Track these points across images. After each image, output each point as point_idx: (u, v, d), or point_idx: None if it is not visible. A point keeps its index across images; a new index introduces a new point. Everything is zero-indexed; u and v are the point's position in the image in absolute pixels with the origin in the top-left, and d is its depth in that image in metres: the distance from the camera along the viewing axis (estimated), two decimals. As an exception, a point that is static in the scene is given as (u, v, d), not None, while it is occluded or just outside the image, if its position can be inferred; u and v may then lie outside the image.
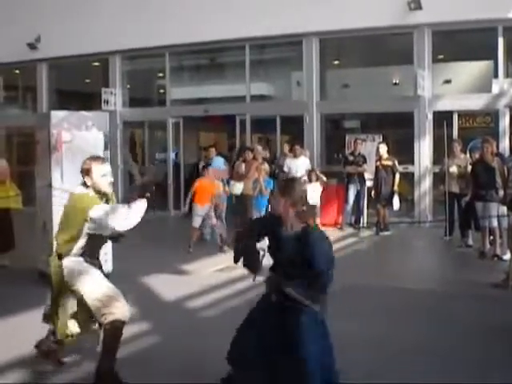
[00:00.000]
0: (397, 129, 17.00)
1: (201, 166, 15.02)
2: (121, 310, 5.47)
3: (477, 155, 12.14)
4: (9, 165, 11.65)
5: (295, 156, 14.38)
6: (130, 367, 5.85)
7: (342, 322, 7.48)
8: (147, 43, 17.80)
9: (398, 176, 14.15)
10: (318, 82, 16.56)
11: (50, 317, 5.79)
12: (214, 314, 7.77)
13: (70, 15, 18.51)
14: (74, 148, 9.18)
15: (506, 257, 10.45)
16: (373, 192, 14.49)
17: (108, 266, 9.77)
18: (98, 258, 5.76)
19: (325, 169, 15.74)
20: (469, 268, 10.83)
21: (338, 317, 7.70)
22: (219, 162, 13.51)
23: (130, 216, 5.31)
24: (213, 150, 14.16)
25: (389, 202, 14.13)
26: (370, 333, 7.02)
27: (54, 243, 5.73)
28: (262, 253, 5.09)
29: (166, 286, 9.24)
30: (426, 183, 15.45)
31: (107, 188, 5.54)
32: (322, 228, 12.85)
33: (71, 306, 5.62)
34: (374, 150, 14.84)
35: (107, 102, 18.53)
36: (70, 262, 5.48)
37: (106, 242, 5.85)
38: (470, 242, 12.22)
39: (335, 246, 12.66)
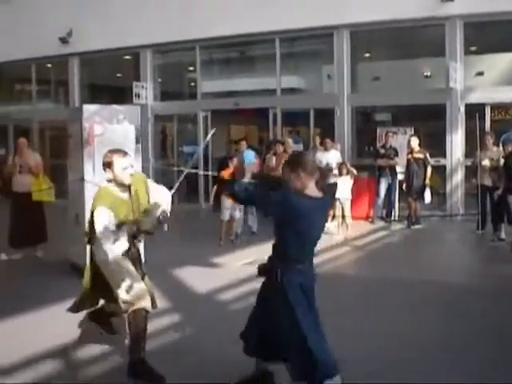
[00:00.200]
0: (428, 121, 16.87)
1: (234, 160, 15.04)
2: (143, 299, 5.57)
3: (509, 148, 12.03)
4: (42, 158, 11.79)
5: (326, 149, 14.32)
6: (162, 358, 5.91)
7: (370, 313, 7.51)
8: (178, 37, 17.85)
9: (429, 169, 14.04)
10: (348, 74, 16.49)
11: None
12: (243, 307, 7.76)
13: (101, 10, 18.64)
14: (106, 141, 9.23)
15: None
16: (404, 185, 14.41)
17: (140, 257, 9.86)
18: (129, 248, 5.70)
19: (355, 162, 15.67)
20: (501, 262, 10.70)
21: (367, 308, 7.75)
22: (250, 156, 13.51)
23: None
24: (244, 143, 14.15)
25: (420, 196, 14.04)
26: (397, 325, 7.02)
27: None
28: None
29: (196, 278, 9.28)
30: (458, 176, 15.33)
31: (128, 180, 5.56)
32: (353, 221, 12.88)
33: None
34: (405, 142, 14.73)
35: (138, 96, 18.61)
36: (98, 249, 5.60)
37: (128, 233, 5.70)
38: (503, 235, 12.11)
39: (366, 239, 12.74)
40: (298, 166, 4.86)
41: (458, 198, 15.31)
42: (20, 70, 22.28)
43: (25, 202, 10.87)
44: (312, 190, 4.86)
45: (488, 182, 12.59)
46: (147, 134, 18.39)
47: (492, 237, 12.28)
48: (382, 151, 14.84)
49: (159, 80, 19.62)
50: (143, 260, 9.60)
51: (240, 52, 19.30)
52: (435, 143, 15.54)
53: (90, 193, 8.67)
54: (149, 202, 5.80)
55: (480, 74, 16.21)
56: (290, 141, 13.88)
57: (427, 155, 14.06)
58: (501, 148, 12.91)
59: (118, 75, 22.16)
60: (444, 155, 15.36)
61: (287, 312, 4.82)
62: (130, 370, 5.52)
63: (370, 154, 15.96)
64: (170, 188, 6.18)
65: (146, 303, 5.60)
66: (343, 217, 13.12)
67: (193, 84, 19.62)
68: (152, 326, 6.81)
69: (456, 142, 15.24)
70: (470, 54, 15.52)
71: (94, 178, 8.87)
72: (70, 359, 6.11)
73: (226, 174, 12.33)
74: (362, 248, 12.16)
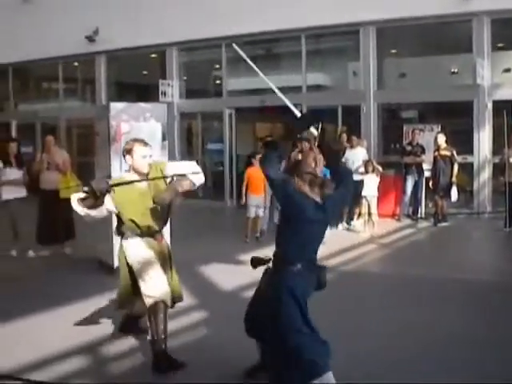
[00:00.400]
0: (455, 118, 16.71)
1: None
2: (162, 292, 5.71)
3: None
4: (69, 156, 11.89)
5: (352, 146, 14.26)
6: (188, 354, 5.94)
7: (393, 312, 7.49)
8: (204, 34, 17.89)
9: (456, 166, 13.95)
10: (375, 71, 16.42)
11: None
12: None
13: (128, 8, 18.74)
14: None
15: None
16: (431, 183, 14.34)
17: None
18: (150, 235, 5.87)
19: (382, 159, 15.63)
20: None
21: (390, 307, 7.73)
22: (276, 153, 13.47)
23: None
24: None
25: (447, 193, 13.96)
26: (420, 321, 7.01)
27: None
28: None
29: (222, 275, 9.31)
30: (486, 174, 15.19)
31: (145, 169, 5.75)
32: (379, 219, 12.84)
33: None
34: (432, 140, 14.65)
35: (165, 94, 18.67)
36: (124, 242, 5.85)
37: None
38: (531, 233, 12.03)
39: (392, 237, 12.69)
40: (294, 170, 5.16)
41: (486, 196, 15.18)
42: (47, 69, 22.49)
43: (52, 199, 10.95)
44: (308, 192, 4.98)
45: (516, 179, 12.50)
46: (173, 131, 18.45)
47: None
48: (409, 148, 14.76)
49: (185, 78, 19.67)
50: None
51: (266, 49, 19.28)
52: (462, 140, 15.40)
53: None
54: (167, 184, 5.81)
55: (507, 70, 16.04)
56: (315, 138, 13.84)
57: (454, 152, 13.97)
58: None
59: (144, 73, 22.27)
60: (471, 152, 15.24)
61: (274, 307, 4.89)
62: (155, 365, 5.66)
63: (397, 152, 15.88)
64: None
65: (165, 297, 5.74)
66: (369, 214, 13.08)
67: (218, 82, 19.65)
68: (178, 322, 6.88)
69: (483, 139, 15.11)
70: (497, 51, 15.39)
71: (120, 175, 8.92)
72: (96, 356, 6.17)
73: (249, 171, 12.37)
74: (388, 246, 12.11)
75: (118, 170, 9.12)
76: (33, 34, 20.11)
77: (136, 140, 5.92)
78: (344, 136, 14.84)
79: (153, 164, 5.88)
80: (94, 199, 5.51)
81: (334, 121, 17.45)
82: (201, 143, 19.97)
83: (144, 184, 5.77)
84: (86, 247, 10.43)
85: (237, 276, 9.09)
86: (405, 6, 14.99)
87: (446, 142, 14.06)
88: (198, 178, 5.75)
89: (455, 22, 15.57)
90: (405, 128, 16.00)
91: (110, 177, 9.17)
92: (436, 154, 14.07)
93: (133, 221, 5.75)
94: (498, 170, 13.88)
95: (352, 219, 13.82)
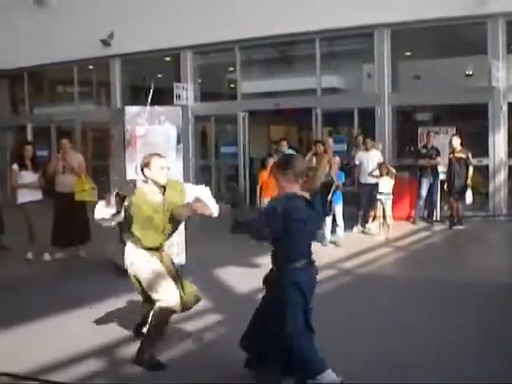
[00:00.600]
0: (470, 121, 16.64)
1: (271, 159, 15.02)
2: (168, 297, 5.82)
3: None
4: (84, 159, 11.94)
5: (367, 149, 14.22)
6: (202, 356, 5.97)
7: (410, 313, 7.47)
8: (218, 38, 17.91)
9: (471, 169, 13.88)
10: (389, 73, 16.37)
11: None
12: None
13: (142, 11, 18.79)
14: (148, 142, 9.35)
15: None
16: (446, 185, 14.28)
17: (181, 258, 9.94)
18: (156, 247, 6.06)
19: (396, 162, 15.60)
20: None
21: (403, 310, 7.70)
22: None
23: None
24: (284, 142, 14.11)
25: (462, 196, 13.89)
26: (435, 324, 6.99)
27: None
28: None
29: (237, 278, 9.31)
30: (501, 176, 15.11)
31: (163, 179, 5.93)
32: (394, 221, 12.80)
33: None
34: (447, 142, 14.59)
35: (179, 97, 18.69)
36: (128, 249, 6.00)
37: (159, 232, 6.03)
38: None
39: (408, 240, 12.64)
40: (288, 167, 5.12)
41: (501, 198, 15.10)
42: (62, 72, 22.58)
43: (68, 202, 11.03)
44: (299, 190, 5.10)
45: (532, 181, 12.45)
46: (188, 134, 18.47)
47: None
48: (424, 151, 14.71)
49: (199, 81, 19.70)
50: (183, 261, 9.80)
51: (280, 52, 19.29)
52: (477, 143, 15.33)
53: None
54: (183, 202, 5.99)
55: (523, 72, 15.99)
56: (330, 141, 13.81)
57: (469, 155, 13.90)
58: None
59: (159, 76, 22.31)
60: (486, 155, 15.17)
61: (278, 311, 5.00)
62: (136, 357, 5.89)
63: (411, 154, 15.84)
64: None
65: (174, 304, 5.84)
66: (384, 217, 13.04)
67: (233, 85, 19.67)
68: (193, 324, 6.90)
69: (499, 141, 15.04)
70: (512, 53, 15.32)
71: (136, 178, 8.95)
72: (112, 357, 6.19)
73: (263, 174, 12.37)
74: (404, 249, 12.07)
75: (134, 173, 9.15)
76: (48, 37, 20.20)
77: (152, 154, 6.09)
78: (360, 138, 14.81)
79: (169, 181, 6.04)
80: (121, 203, 5.69)
81: (349, 124, 17.46)
82: (214, 146, 19.96)
83: (159, 200, 5.93)
84: (101, 250, 10.46)
85: (252, 279, 9.08)
86: (419, 8, 14.94)
87: (461, 144, 13.99)
88: (217, 209, 5.96)
89: (470, 24, 15.52)
90: (420, 130, 15.96)
91: (125, 180, 9.24)
92: (451, 156, 14.02)
93: (137, 234, 5.94)
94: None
95: (367, 222, 13.79)
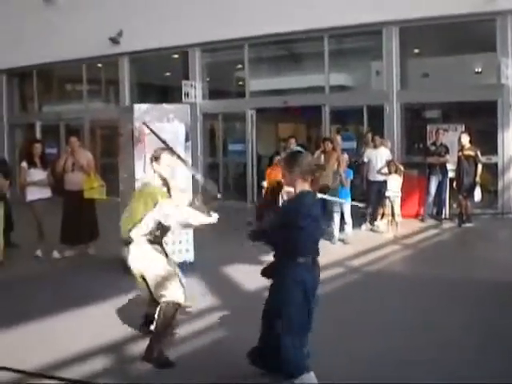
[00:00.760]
0: (479, 118, 16.57)
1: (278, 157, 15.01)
2: (176, 293, 5.96)
3: None
4: (93, 157, 11.96)
5: (375, 146, 14.19)
6: (211, 354, 5.97)
7: (419, 311, 7.46)
8: (226, 35, 17.92)
9: (480, 166, 13.84)
10: (398, 71, 16.33)
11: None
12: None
13: (150, 9, 18.81)
14: (156, 140, 9.33)
15: None
16: (454, 183, 14.24)
17: (190, 255, 9.96)
18: (161, 244, 6.32)
19: (405, 159, 15.58)
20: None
21: (417, 306, 7.70)
22: (298, 153, 13.43)
23: (192, 219, 5.99)
24: (293, 140, 14.10)
25: (470, 193, 13.85)
26: (444, 321, 6.99)
27: (121, 229, 6.28)
28: None
29: (245, 276, 9.30)
30: (510, 174, 15.05)
31: (169, 175, 6.23)
32: (403, 219, 12.76)
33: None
34: (456, 140, 14.55)
35: (187, 95, 18.70)
36: (135, 246, 6.07)
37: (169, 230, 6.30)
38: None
39: (416, 238, 12.63)
40: (294, 165, 5.07)
41: (510, 196, 15.05)
42: (71, 70, 22.64)
43: (77, 199, 11.05)
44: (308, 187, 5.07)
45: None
46: (196, 132, 18.48)
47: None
48: (433, 148, 14.68)
49: (208, 79, 19.70)
50: (192, 258, 9.83)
51: (288, 50, 19.27)
52: (486, 140, 15.28)
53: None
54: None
55: (532, 69, 15.92)
56: (338, 138, 13.80)
57: (478, 152, 13.86)
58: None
59: (167, 74, 22.34)
60: (495, 152, 15.13)
61: (277, 310, 5.00)
62: (145, 355, 5.92)
63: (420, 152, 15.81)
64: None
65: (179, 297, 5.97)
66: (393, 215, 13.02)
67: (241, 83, 19.66)
68: (202, 322, 6.91)
69: (508, 138, 14.98)
70: (521, 50, 15.25)
71: (144, 175, 8.96)
72: (121, 355, 6.20)
73: (271, 171, 12.36)
74: (412, 246, 12.05)
75: (142, 170, 9.17)
76: (56, 35, 20.25)
77: (163, 149, 6.41)
78: (369, 136, 14.78)
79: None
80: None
81: (358, 121, 17.43)
82: (222, 144, 19.95)
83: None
84: (109, 248, 10.48)
85: (260, 276, 9.11)
86: (428, 5, 14.91)
87: (470, 141, 13.95)
88: (209, 219, 6.05)
89: (479, 21, 15.45)
90: (428, 128, 15.93)
91: (133, 177, 9.26)
92: (460, 154, 13.98)
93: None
94: (523, 170, 13.78)
95: (376, 220, 13.78)
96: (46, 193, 11.17)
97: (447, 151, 14.54)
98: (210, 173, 19.40)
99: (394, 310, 7.62)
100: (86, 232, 11.24)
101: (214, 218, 6.03)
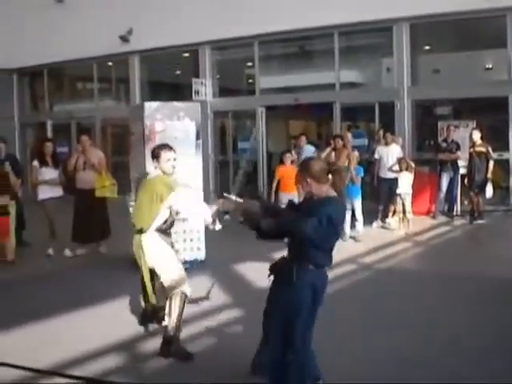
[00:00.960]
0: (491, 114, 16.50)
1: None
2: (183, 284, 6.13)
3: None
4: (104, 155, 11.99)
5: (387, 143, 14.16)
6: (223, 352, 5.98)
7: (430, 308, 7.45)
8: (236, 33, 17.90)
9: (491, 163, 13.79)
10: (408, 67, 16.28)
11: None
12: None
13: (160, 7, 18.82)
14: (167, 138, 9.37)
15: None
16: (466, 179, 14.20)
17: (201, 254, 9.98)
18: (169, 235, 6.54)
19: (416, 156, 15.53)
20: None
21: (428, 304, 7.68)
22: (310, 151, 13.47)
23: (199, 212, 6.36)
24: (303, 138, 14.09)
25: (482, 190, 13.80)
26: (455, 319, 6.99)
27: (133, 221, 6.42)
28: None
29: (256, 274, 9.29)
30: (522, 170, 15.03)
31: (170, 170, 6.39)
32: (414, 216, 12.72)
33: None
34: (467, 136, 14.50)
35: (198, 93, 18.69)
36: (148, 238, 6.20)
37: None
38: None
39: (428, 235, 12.59)
40: (302, 171, 4.91)
41: (522, 192, 15.02)
42: (82, 69, 22.66)
43: (88, 198, 11.08)
44: (328, 191, 4.83)
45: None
46: (207, 130, 18.48)
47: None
48: (444, 145, 14.62)
49: (218, 76, 19.70)
50: (203, 256, 9.85)
51: (298, 47, 19.23)
52: (498, 137, 15.23)
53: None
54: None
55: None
56: (349, 135, 13.78)
57: (489, 149, 13.82)
58: None
59: (178, 72, 22.36)
60: (507, 149, 15.06)
61: (288, 317, 4.81)
62: (161, 350, 6.04)
63: (431, 148, 15.76)
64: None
65: (185, 288, 6.11)
66: (404, 212, 13.00)
67: (251, 80, 19.65)
68: (213, 320, 6.92)
69: (519, 135, 14.95)
70: (532, 45, 15.18)
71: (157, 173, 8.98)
72: (133, 353, 6.22)
73: (280, 169, 12.37)
74: (423, 243, 12.03)
75: (153, 168, 9.18)
76: (67, 34, 20.29)
77: (161, 146, 6.55)
78: (380, 133, 14.75)
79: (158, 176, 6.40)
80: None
81: (369, 118, 17.39)
82: (232, 141, 19.94)
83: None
84: (121, 246, 10.50)
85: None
86: (438, 1, 14.86)
87: (482, 138, 13.91)
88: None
89: (489, 17, 15.36)
90: (439, 124, 15.86)
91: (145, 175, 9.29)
92: (471, 150, 13.94)
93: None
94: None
95: (387, 217, 13.75)
96: (58, 191, 11.22)
97: (458, 148, 14.49)
98: (221, 170, 19.42)
99: (405, 308, 7.60)
100: (98, 230, 11.28)
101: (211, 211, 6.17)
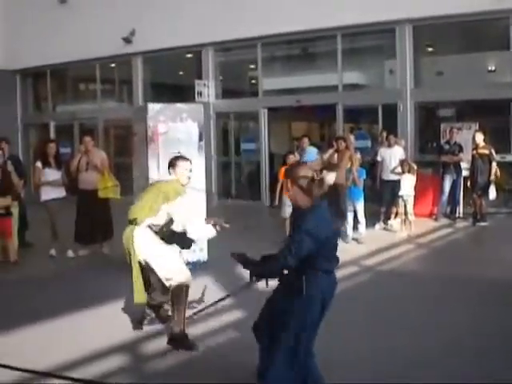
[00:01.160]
0: (493, 117, 16.47)
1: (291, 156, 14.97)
2: (184, 275, 6.28)
3: None
4: (107, 156, 12.00)
5: (389, 145, 14.15)
6: (226, 352, 5.98)
7: (432, 310, 7.44)
8: (239, 34, 17.92)
9: (494, 165, 13.79)
10: (411, 69, 16.26)
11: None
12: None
13: (163, 9, 18.84)
14: (170, 139, 9.42)
15: None
16: (469, 182, 14.19)
17: (204, 255, 9.98)
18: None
19: (419, 158, 15.53)
20: None
21: (430, 306, 7.68)
22: (312, 152, 13.45)
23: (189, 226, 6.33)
24: (306, 139, 14.08)
25: (485, 192, 13.80)
26: (457, 321, 7.01)
27: (129, 213, 6.49)
28: None
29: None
30: (525, 172, 15.02)
31: (185, 181, 6.56)
32: (417, 218, 12.70)
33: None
34: (470, 138, 14.50)
35: (201, 94, 18.70)
36: (140, 230, 6.32)
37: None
38: None
39: (430, 237, 12.58)
40: (290, 177, 4.83)
41: (525, 195, 15.01)
42: (84, 70, 22.69)
43: (91, 199, 11.10)
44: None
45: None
46: (209, 131, 18.48)
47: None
48: (447, 147, 14.61)
49: (221, 78, 19.70)
50: (206, 257, 9.86)
51: (301, 48, 19.24)
52: (500, 139, 15.22)
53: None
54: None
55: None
56: (351, 137, 13.77)
57: (492, 151, 13.81)
58: None
59: (180, 73, 22.36)
60: (510, 151, 15.05)
61: (295, 327, 4.73)
62: (170, 341, 6.24)
63: (434, 150, 15.74)
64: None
65: (186, 279, 6.27)
66: (406, 214, 12.99)
67: (254, 81, 19.66)
68: (219, 320, 6.93)
69: (522, 137, 14.94)
70: (535, 48, 15.17)
71: (158, 175, 8.99)
72: (135, 354, 6.23)
73: (283, 171, 12.36)
74: (426, 246, 12.02)
75: (156, 169, 9.21)
76: (70, 35, 20.34)
77: (179, 157, 6.69)
78: (383, 135, 14.74)
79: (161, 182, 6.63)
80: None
81: (371, 120, 17.38)
82: (235, 143, 19.93)
83: None
84: (123, 247, 10.50)
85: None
86: (441, 3, 14.85)
87: (484, 140, 13.91)
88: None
89: (492, 20, 15.36)
90: (442, 126, 15.83)
91: (147, 176, 9.29)
92: (474, 152, 13.93)
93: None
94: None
95: (389, 219, 13.75)
96: (61, 192, 11.24)
97: (461, 150, 14.47)
98: (224, 172, 19.43)
99: (407, 309, 7.60)
100: (100, 231, 11.31)
101: (211, 231, 6.48)
